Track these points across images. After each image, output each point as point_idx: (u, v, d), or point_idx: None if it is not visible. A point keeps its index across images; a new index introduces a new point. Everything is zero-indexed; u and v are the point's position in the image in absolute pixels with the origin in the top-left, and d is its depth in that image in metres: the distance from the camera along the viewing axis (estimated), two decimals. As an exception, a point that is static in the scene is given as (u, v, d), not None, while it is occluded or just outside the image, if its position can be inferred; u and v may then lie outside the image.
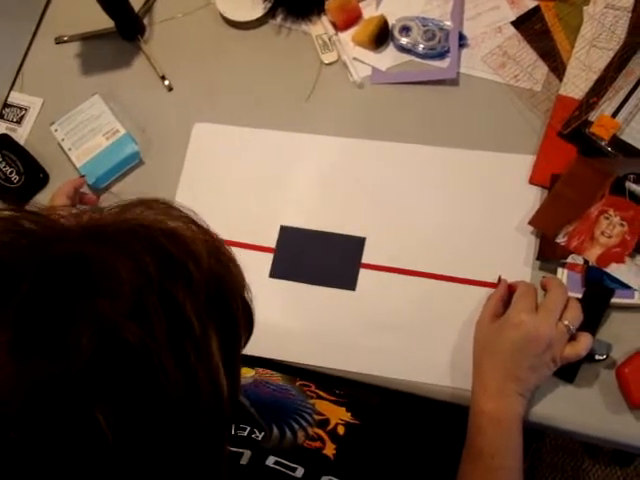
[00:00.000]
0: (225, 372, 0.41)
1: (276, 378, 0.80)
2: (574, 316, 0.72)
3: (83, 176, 0.93)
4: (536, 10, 0.95)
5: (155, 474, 0.39)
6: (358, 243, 0.87)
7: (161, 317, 0.38)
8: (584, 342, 0.72)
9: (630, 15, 0.91)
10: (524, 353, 0.71)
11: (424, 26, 0.96)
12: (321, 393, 0.77)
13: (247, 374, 0.79)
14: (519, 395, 0.71)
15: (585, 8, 0.93)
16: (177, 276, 0.40)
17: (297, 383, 0.79)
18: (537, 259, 0.82)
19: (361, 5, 1.00)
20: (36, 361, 0.35)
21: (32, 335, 0.36)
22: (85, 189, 0.94)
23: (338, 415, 0.74)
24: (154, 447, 0.38)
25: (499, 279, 0.80)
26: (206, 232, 0.47)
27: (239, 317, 0.46)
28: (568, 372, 0.76)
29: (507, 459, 0.69)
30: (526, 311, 0.72)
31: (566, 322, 0.71)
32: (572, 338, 0.73)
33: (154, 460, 0.38)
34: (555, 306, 0.72)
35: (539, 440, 1.34)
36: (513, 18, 0.95)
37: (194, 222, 0.47)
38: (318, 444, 0.68)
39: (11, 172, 0.97)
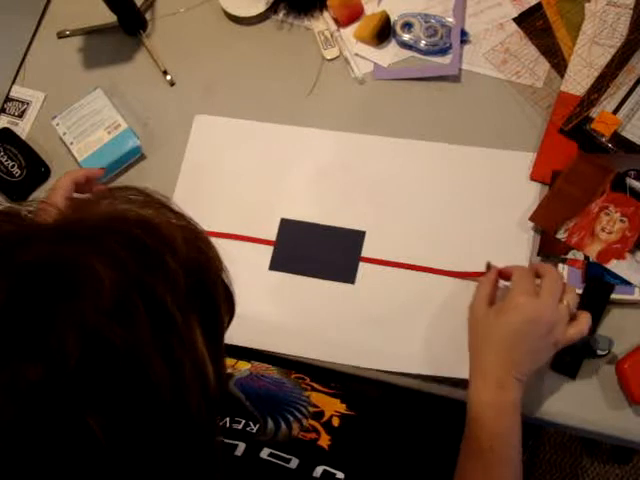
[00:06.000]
0: (210, 358, 0.41)
1: (271, 371, 0.79)
2: (572, 297, 0.71)
3: (103, 169, 0.92)
4: (538, 7, 0.95)
5: (149, 467, 0.39)
6: (358, 237, 0.87)
7: (143, 313, 0.38)
8: (585, 320, 0.71)
9: (631, 12, 0.92)
10: (525, 337, 0.69)
11: (426, 22, 0.96)
12: (316, 385, 0.77)
13: (243, 367, 0.79)
14: (517, 380, 0.69)
15: (587, 5, 0.93)
16: (155, 268, 0.40)
17: (292, 376, 0.79)
18: (538, 255, 0.82)
19: (363, 1, 1.00)
20: (21, 370, 0.34)
21: (14, 344, 0.35)
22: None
23: (333, 407, 0.73)
24: (146, 442, 0.38)
25: (488, 265, 0.78)
26: (180, 217, 0.46)
27: (220, 301, 0.45)
28: (570, 368, 0.77)
29: (507, 449, 0.68)
30: (526, 294, 0.70)
31: (565, 303, 0.70)
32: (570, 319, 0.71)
33: (147, 454, 0.38)
34: (555, 288, 0.70)
35: (537, 438, 1.35)
36: (515, 15, 0.96)
37: (166, 207, 0.46)
38: (313, 435, 0.68)
39: (12, 166, 0.98)
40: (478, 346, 0.72)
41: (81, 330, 0.36)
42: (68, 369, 0.35)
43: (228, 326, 0.48)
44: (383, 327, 0.82)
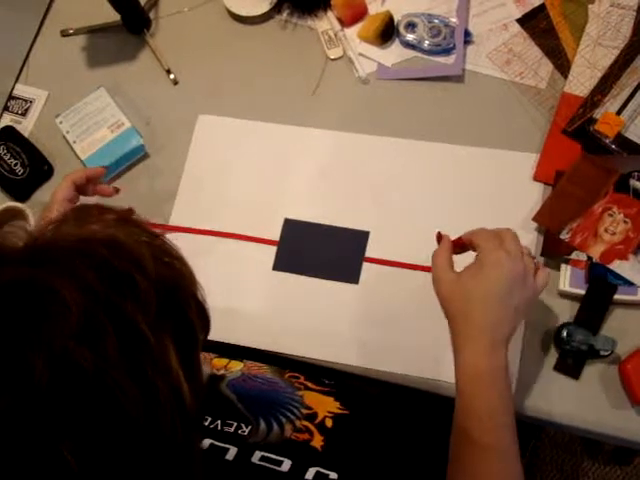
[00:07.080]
0: (185, 377, 0.40)
1: (264, 370, 0.79)
2: (529, 250, 0.70)
3: (104, 167, 0.91)
4: (541, 8, 0.95)
5: None
6: (362, 237, 0.87)
7: (112, 335, 0.37)
8: (544, 268, 0.71)
9: (635, 14, 0.92)
10: (509, 292, 0.66)
11: (430, 22, 0.96)
12: (309, 384, 0.76)
13: (236, 368, 0.79)
14: (504, 343, 0.65)
15: (590, 6, 0.93)
16: (124, 288, 0.39)
17: (286, 375, 0.78)
18: (541, 255, 0.82)
19: (367, 1, 1.00)
20: None
21: None
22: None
23: (326, 407, 0.73)
24: (120, 464, 0.37)
25: (439, 234, 0.74)
26: (149, 233, 0.45)
27: (194, 319, 0.44)
28: (573, 369, 0.77)
29: (503, 430, 0.63)
30: (499, 249, 0.67)
31: (527, 251, 0.69)
32: None
33: (121, 476, 0.37)
34: (518, 243, 0.68)
35: (538, 438, 1.35)
36: (519, 16, 0.96)
37: (136, 224, 0.45)
38: (306, 436, 0.68)
39: (15, 164, 0.98)
40: (461, 311, 0.67)
41: (49, 355, 0.35)
42: (37, 396, 0.34)
43: (204, 343, 0.47)
44: (387, 328, 0.83)
